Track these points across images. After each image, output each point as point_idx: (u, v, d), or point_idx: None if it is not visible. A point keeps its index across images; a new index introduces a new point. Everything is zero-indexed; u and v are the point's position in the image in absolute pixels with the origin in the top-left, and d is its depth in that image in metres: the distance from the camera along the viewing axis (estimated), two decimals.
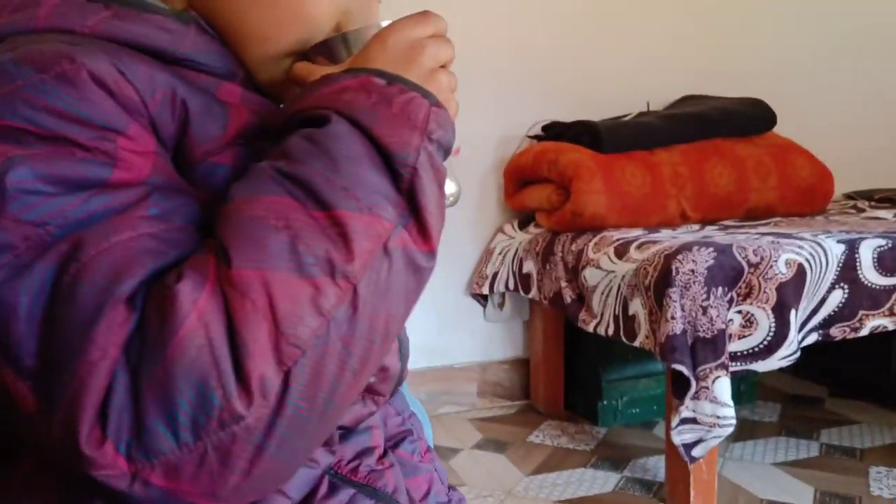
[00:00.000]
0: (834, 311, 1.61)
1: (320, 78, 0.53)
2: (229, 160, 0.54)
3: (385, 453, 0.64)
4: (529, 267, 2.05)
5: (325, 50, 0.59)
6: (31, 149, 0.46)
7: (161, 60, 0.54)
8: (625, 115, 2.18)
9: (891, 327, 1.66)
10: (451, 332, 2.22)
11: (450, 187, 0.55)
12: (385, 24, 0.57)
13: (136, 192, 0.48)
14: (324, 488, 0.57)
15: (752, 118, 2.11)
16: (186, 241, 0.48)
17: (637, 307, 1.61)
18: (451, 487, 0.72)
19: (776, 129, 2.15)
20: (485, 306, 2.26)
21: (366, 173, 0.48)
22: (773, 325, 1.53)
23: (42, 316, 0.44)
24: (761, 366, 1.55)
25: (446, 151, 0.53)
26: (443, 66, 0.57)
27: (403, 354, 0.64)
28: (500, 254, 2.16)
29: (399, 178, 0.49)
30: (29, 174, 0.45)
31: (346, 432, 0.61)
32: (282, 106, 0.60)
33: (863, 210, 2.18)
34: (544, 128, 2.15)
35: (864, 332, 1.64)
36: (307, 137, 0.49)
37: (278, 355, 0.43)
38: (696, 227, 1.93)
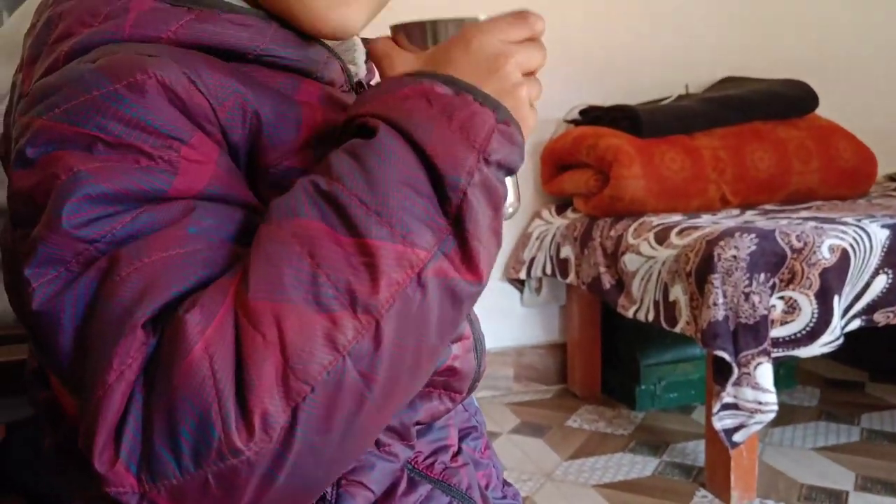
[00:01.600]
0: (878, 296, 1.59)
1: (384, 81, 0.53)
2: (302, 163, 0.54)
3: (459, 451, 0.65)
4: (567, 252, 2.05)
5: (409, 33, 0.56)
6: (97, 159, 0.48)
7: (242, 59, 0.56)
8: (664, 99, 2.16)
9: None
10: (487, 317, 2.19)
11: (508, 198, 0.51)
12: (482, 17, 0.54)
13: (182, 206, 0.49)
14: (403, 483, 0.58)
15: (793, 100, 2.08)
16: (221, 260, 0.48)
17: (678, 293, 1.60)
18: (505, 483, 0.74)
19: (818, 111, 2.12)
20: (522, 291, 2.27)
21: (406, 196, 0.46)
22: (816, 310, 1.52)
23: (77, 331, 0.46)
24: (804, 352, 1.55)
25: (510, 171, 0.50)
26: (531, 73, 0.54)
27: (479, 353, 0.64)
28: (537, 238, 2.16)
29: (447, 202, 0.46)
30: (91, 190, 0.47)
31: (424, 428, 0.62)
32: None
33: None
34: (582, 112, 2.14)
35: None
36: (352, 152, 0.47)
37: (286, 391, 0.42)
38: (737, 211, 1.92)
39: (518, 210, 0.57)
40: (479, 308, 2.21)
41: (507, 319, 2.27)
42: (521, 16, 0.54)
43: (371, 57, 0.59)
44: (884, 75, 2.53)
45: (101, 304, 0.45)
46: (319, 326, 0.43)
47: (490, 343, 2.46)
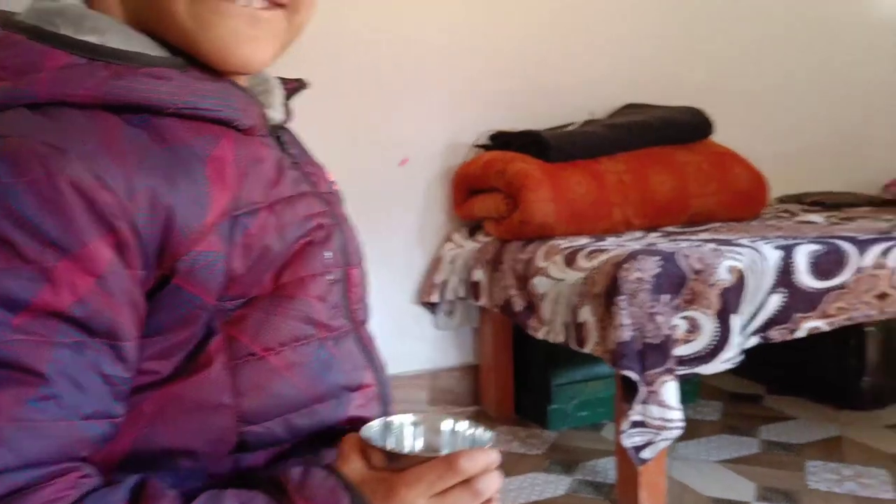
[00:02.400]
0: (773, 314, 1.68)
1: (320, 482, 0.57)
2: (210, 246, 0.56)
3: None
4: (479, 275, 2.07)
5: (369, 448, 0.60)
6: None
7: (160, 114, 0.55)
8: (570, 125, 2.22)
9: (825, 328, 1.74)
10: (401, 341, 2.23)
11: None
12: (443, 452, 0.59)
13: (43, 331, 0.49)
14: None
15: (690, 126, 2.18)
16: (58, 431, 0.50)
17: (587, 315, 1.65)
18: None
19: (714, 137, 2.23)
20: (435, 314, 2.28)
21: None
22: (716, 329, 1.59)
23: None
24: (706, 369, 1.61)
25: None
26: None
27: (385, 402, 0.66)
28: (449, 262, 2.18)
29: None
30: None
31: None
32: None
33: (795, 214, 2.27)
34: (492, 137, 2.18)
35: (801, 333, 1.71)
36: None
37: None
38: (641, 234, 1.99)
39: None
40: (392, 332, 2.21)
41: (420, 343, 2.28)
42: (451, 464, 0.57)
43: (341, 444, 0.61)
44: (774, 104, 2.67)
45: None
46: None
47: (404, 366, 2.45)
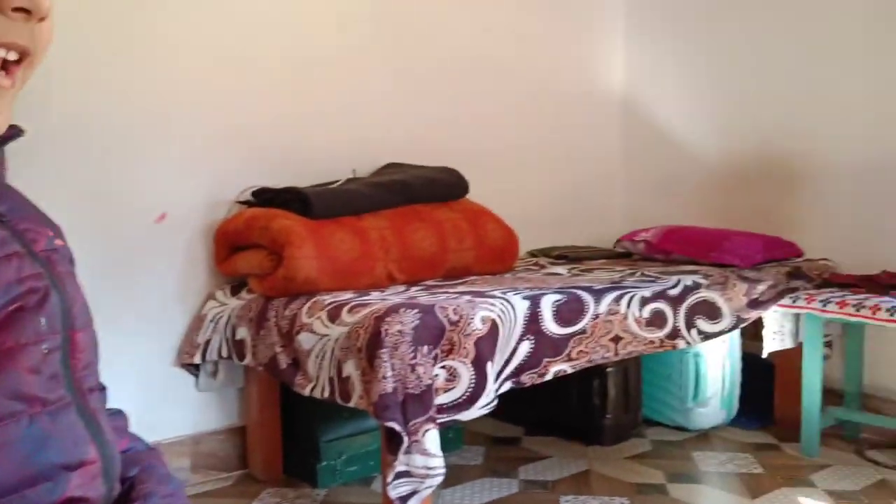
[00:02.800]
0: (523, 360, 1.80)
1: None
2: None
3: None
4: (243, 333, 2.02)
5: None
6: None
7: None
8: (333, 182, 2.26)
9: (570, 371, 1.90)
10: (159, 406, 2.11)
11: None
12: None
13: None
14: None
15: (448, 185, 2.31)
16: None
17: (351, 369, 1.67)
18: None
19: (470, 196, 2.37)
20: (197, 376, 2.18)
21: None
22: (473, 377, 1.67)
23: None
24: (465, 415, 1.69)
25: None
26: None
27: (110, 476, 0.61)
28: (211, 321, 2.11)
29: None
30: None
31: None
32: None
33: (543, 266, 2.47)
34: (254, 193, 2.16)
35: (549, 376, 1.85)
36: None
37: None
38: (403, 287, 2.06)
39: None
40: (150, 397, 2.08)
41: (181, 407, 2.17)
42: None
43: None
44: (522, 166, 2.90)
45: None
46: None
47: (164, 433, 2.31)
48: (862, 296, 2.20)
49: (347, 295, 1.91)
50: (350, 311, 1.76)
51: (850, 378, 2.46)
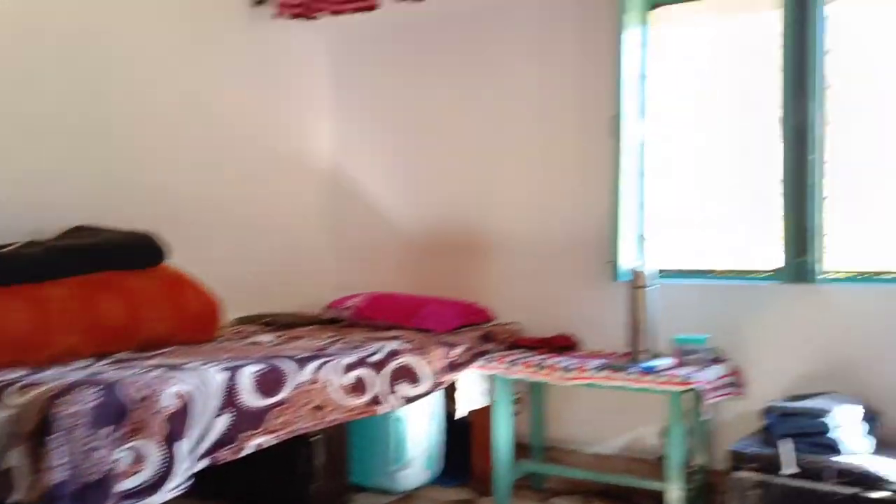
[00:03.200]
0: (220, 436, 1.72)
1: None
2: None
3: None
4: None
5: None
6: None
7: None
8: (8, 245, 2.03)
9: (272, 442, 1.85)
10: None
11: None
12: None
13: None
14: None
15: (143, 251, 2.17)
16: None
17: (16, 459, 1.48)
18: None
19: (171, 262, 2.25)
20: None
21: None
22: (163, 457, 1.57)
23: None
24: (154, 500, 1.57)
25: None
26: None
27: None
28: None
29: None
30: None
31: None
32: None
33: (248, 335, 2.41)
34: None
35: (248, 450, 1.79)
36: None
37: None
38: (89, 362, 1.88)
39: None
40: None
41: None
42: None
43: None
44: (231, 230, 2.84)
45: None
46: None
47: None
48: (543, 356, 2.42)
49: (18, 373, 1.71)
50: (19, 391, 1.57)
51: (535, 432, 2.68)
